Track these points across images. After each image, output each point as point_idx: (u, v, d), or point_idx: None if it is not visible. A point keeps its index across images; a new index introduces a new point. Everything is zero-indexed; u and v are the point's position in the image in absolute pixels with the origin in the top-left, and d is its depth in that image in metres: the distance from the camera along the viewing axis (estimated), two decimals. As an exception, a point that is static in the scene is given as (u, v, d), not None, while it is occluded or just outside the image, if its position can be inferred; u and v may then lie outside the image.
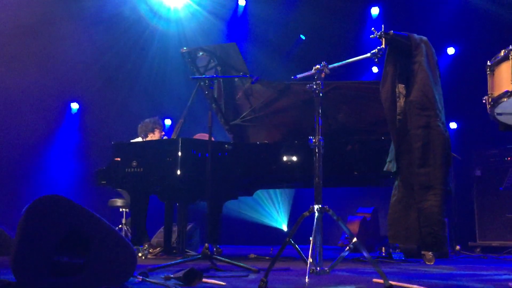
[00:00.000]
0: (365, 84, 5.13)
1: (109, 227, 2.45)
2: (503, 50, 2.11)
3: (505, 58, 2.10)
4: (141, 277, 2.62)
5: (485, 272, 3.49)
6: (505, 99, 2.08)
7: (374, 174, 4.82)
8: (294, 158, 4.86)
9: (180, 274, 2.55)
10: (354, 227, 6.64)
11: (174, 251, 5.01)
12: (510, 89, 2.05)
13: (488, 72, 2.21)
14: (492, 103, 2.16)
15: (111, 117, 8.15)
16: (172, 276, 2.67)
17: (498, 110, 2.18)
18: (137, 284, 2.49)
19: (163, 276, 2.73)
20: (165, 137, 5.72)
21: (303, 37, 9.60)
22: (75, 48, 8.01)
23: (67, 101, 8.53)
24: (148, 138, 5.62)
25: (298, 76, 2.70)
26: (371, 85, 4.96)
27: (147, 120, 5.68)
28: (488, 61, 2.20)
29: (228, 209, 6.94)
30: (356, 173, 4.83)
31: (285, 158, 4.89)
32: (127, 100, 8.42)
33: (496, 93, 2.14)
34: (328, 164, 4.80)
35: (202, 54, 5.21)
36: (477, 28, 7.90)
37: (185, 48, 5.16)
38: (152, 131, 5.61)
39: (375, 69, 8.70)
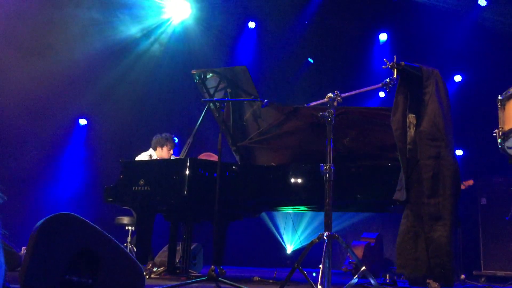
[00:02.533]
0: (373, 110, 5.16)
1: (119, 247, 2.47)
2: (514, 85, 2.15)
3: (516, 93, 2.13)
4: (148, 298, 2.63)
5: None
6: (516, 133, 2.11)
7: (380, 200, 4.82)
8: (300, 181, 4.87)
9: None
10: (358, 252, 6.60)
11: (178, 271, 4.99)
12: (521, 124, 2.07)
13: (499, 106, 2.25)
14: (503, 136, 2.19)
15: (119, 134, 8.21)
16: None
17: (508, 144, 2.21)
18: (144, 305, 2.50)
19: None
20: (173, 157, 5.76)
21: (311, 60, 9.70)
22: (84, 65, 8.11)
23: (75, 117, 8.60)
24: (156, 152, 5.66)
25: (311, 104, 2.73)
26: (379, 111, 5.00)
27: (162, 134, 5.75)
28: (499, 96, 2.24)
29: (231, 230, 6.93)
30: (360, 197, 4.83)
31: (291, 181, 4.90)
32: (135, 118, 8.49)
33: (507, 127, 2.16)
34: (335, 188, 4.85)
35: (212, 76, 5.27)
36: (484, 56, 7.97)
37: (195, 70, 5.21)
38: (162, 146, 5.67)
39: (381, 94, 8.77)
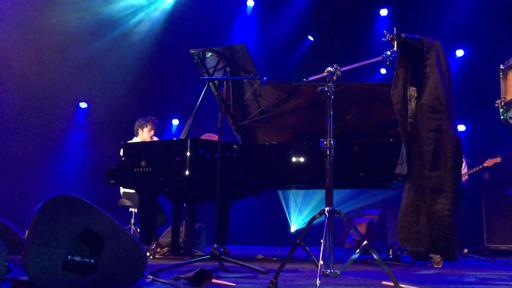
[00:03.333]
0: (374, 86, 5.12)
1: (121, 227, 2.47)
2: (516, 54, 2.11)
3: (518, 62, 2.10)
4: (151, 277, 2.64)
5: (494, 277, 3.48)
6: (518, 103, 2.07)
7: (381, 176, 4.81)
8: (302, 160, 4.86)
9: (190, 274, 2.56)
10: (361, 229, 6.63)
11: (182, 251, 5.02)
12: (523, 93, 2.04)
13: (501, 76, 2.21)
14: (505, 107, 2.15)
15: (120, 116, 8.18)
16: (182, 276, 2.68)
17: (510, 114, 2.17)
18: (147, 284, 2.51)
19: (172, 276, 2.74)
20: (154, 138, 5.74)
21: (311, 38, 9.60)
22: (85, 48, 8.06)
23: (76, 100, 8.57)
24: (138, 137, 5.65)
25: (310, 78, 2.70)
26: (380, 86, 4.96)
27: (140, 118, 5.74)
28: (501, 65, 2.19)
29: (234, 209, 6.95)
30: (362, 174, 4.81)
31: (293, 159, 4.89)
32: (136, 100, 8.45)
33: (509, 97, 2.13)
34: (336, 166, 4.83)
35: (211, 55, 5.22)
36: (485, 30, 7.87)
37: (194, 49, 5.16)
38: (142, 129, 5.65)
39: (383, 71, 8.70)
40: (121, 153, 4.90)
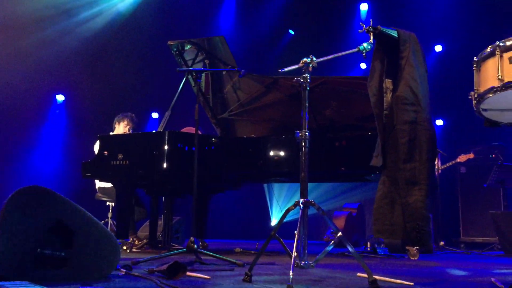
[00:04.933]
0: (353, 79, 5.14)
1: (93, 219, 2.42)
2: (490, 47, 2.12)
3: (491, 54, 2.11)
4: (124, 270, 2.60)
5: (468, 268, 3.53)
6: (491, 95, 2.09)
7: (361, 170, 4.83)
8: (282, 153, 4.85)
9: (164, 267, 2.53)
10: (340, 222, 6.67)
11: (160, 244, 4.98)
12: (495, 85, 2.05)
13: (475, 68, 2.22)
14: (478, 98, 2.17)
15: (98, 109, 8.06)
16: (155, 269, 2.65)
17: (483, 106, 2.19)
18: (120, 277, 2.47)
19: (146, 270, 2.71)
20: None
21: (292, 32, 9.59)
22: (60, 40, 7.91)
23: (53, 93, 8.42)
24: (115, 131, 5.59)
25: (285, 69, 2.68)
26: (359, 80, 4.97)
27: (121, 114, 5.68)
28: (475, 57, 2.21)
29: (216, 203, 6.93)
30: (343, 168, 4.84)
31: (272, 153, 4.87)
32: (113, 92, 8.33)
33: (482, 89, 2.14)
34: (315, 160, 4.84)
35: (190, 47, 5.17)
36: (463, 25, 7.96)
37: (172, 40, 5.10)
38: (119, 123, 5.59)
39: (363, 65, 8.74)
40: (97, 146, 4.83)
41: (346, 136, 4.88)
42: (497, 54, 2.07)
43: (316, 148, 4.79)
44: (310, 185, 7.91)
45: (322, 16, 9.17)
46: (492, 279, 2.63)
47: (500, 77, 2.04)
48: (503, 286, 2.36)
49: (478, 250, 5.86)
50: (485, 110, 2.21)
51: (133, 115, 5.70)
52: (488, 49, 2.12)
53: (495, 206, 6.36)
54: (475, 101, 2.19)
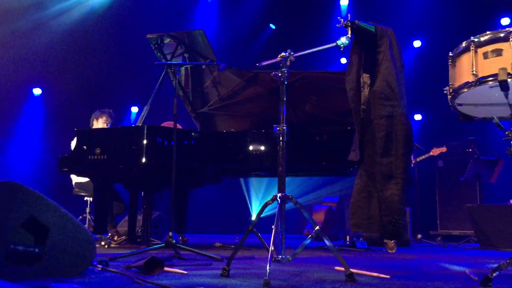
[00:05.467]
0: (332, 74, 5.15)
1: (67, 215, 2.38)
2: (465, 42, 2.14)
3: (466, 49, 2.13)
4: (100, 266, 2.57)
5: (444, 260, 3.58)
6: (465, 90, 2.11)
7: (340, 164, 4.86)
8: (261, 147, 4.85)
9: (141, 263, 2.51)
10: (320, 216, 6.72)
11: (139, 240, 4.94)
12: (470, 80, 2.07)
13: (450, 63, 2.24)
14: (453, 93, 2.18)
15: (76, 103, 7.93)
16: (133, 265, 2.62)
17: (458, 100, 2.21)
18: (96, 273, 2.44)
19: (124, 265, 2.68)
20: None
21: (273, 26, 9.58)
22: (37, 33, 7.76)
23: (29, 86, 8.26)
24: (92, 128, 5.51)
25: (263, 63, 2.67)
26: (338, 75, 4.98)
27: (98, 110, 5.60)
28: (450, 52, 2.23)
29: (196, 198, 6.90)
30: (323, 163, 4.86)
31: (252, 147, 4.87)
32: (92, 86, 8.21)
33: (457, 84, 2.16)
34: (296, 154, 4.86)
35: (169, 41, 5.12)
36: (443, 21, 8.05)
37: (151, 34, 5.04)
38: (97, 119, 5.51)
39: (343, 60, 8.77)
40: (74, 140, 4.76)
41: (326, 131, 4.90)
42: (472, 49, 2.09)
43: (297, 142, 4.81)
44: (291, 179, 7.96)
45: (303, 10, 9.17)
46: (467, 271, 2.68)
47: (474, 72, 2.06)
48: (477, 278, 2.40)
49: (455, 243, 5.97)
50: (460, 104, 2.24)
51: (111, 110, 5.63)
52: (463, 44, 2.14)
53: (471, 199, 6.48)
54: (450, 96, 2.21)
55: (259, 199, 9.34)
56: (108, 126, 5.49)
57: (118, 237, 4.97)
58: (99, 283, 2.13)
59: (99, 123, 5.49)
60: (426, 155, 6.55)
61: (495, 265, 2.16)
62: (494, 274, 2.16)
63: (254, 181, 9.27)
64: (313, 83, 5.06)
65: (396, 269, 2.88)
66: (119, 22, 8.37)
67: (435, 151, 6.49)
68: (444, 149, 6.46)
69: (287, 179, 2.51)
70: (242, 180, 9.05)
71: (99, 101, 7.25)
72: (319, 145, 4.84)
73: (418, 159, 6.54)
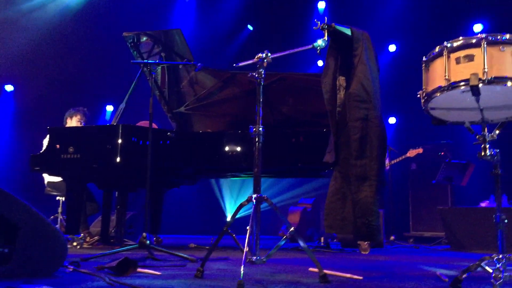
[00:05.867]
0: (309, 76, 5.19)
1: (38, 215, 2.33)
2: (438, 47, 2.18)
3: (439, 54, 2.16)
4: (72, 266, 2.53)
5: (416, 262, 3.64)
6: (438, 94, 2.14)
7: (317, 166, 4.89)
8: (238, 148, 4.85)
9: (113, 263, 2.48)
10: (295, 217, 6.75)
11: (112, 240, 4.88)
12: (443, 85, 2.11)
13: (424, 67, 2.28)
14: (426, 97, 2.22)
15: (50, 101, 7.78)
16: (105, 266, 2.59)
17: (431, 104, 2.24)
18: (67, 274, 2.40)
19: (96, 266, 2.64)
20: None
21: (250, 27, 9.59)
22: (8, 29, 7.58)
23: (1, 82, 8.06)
24: (66, 125, 5.42)
25: (240, 64, 2.67)
26: (315, 77, 5.02)
27: (71, 108, 5.51)
28: (424, 57, 2.27)
29: (172, 198, 6.85)
30: (300, 164, 4.89)
31: (228, 148, 4.86)
32: (66, 83, 8.07)
33: (430, 88, 2.20)
34: (273, 155, 4.87)
35: (146, 39, 5.08)
36: (416, 26, 8.18)
37: (128, 32, 4.98)
38: (71, 118, 5.42)
39: (320, 63, 8.84)
40: (46, 139, 4.66)
41: (303, 132, 4.93)
42: (445, 54, 2.13)
43: (273, 143, 4.82)
44: (268, 180, 7.95)
45: (281, 12, 9.21)
46: (438, 273, 2.72)
47: (447, 77, 2.10)
48: (447, 279, 2.44)
49: (426, 244, 6.07)
50: (433, 108, 2.27)
51: (86, 109, 5.54)
52: (437, 49, 2.18)
53: (443, 202, 6.59)
54: (423, 100, 2.25)
55: (235, 200, 9.33)
56: (82, 125, 5.40)
57: (90, 238, 4.89)
58: (70, 284, 2.09)
59: (73, 122, 5.40)
60: (403, 157, 6.63)
61: (465, 267, 2.21)
62: (464, 276, 2.20)
63: (230, 182, 9.26)
64: (291, 85, 5.08)
65: (369, 270, 2.92)
66: (95, 19, 8.24)
67: (411, 153, 6.57)
68: (420, 151, 6.55)
69: (263, 179, 2.51)
70: (214, 181, 9.02)
71: (73, 99, 7.14)
72: (295, 147, 4.86)
73: (394, 161, 6.62)
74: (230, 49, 9.49)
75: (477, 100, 2.08)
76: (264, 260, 2.31)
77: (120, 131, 4.41)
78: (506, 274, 1.97)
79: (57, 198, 5.60)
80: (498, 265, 1.99)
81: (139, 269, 2.53)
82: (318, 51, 2.65)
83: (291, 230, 2.38)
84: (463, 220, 5.23)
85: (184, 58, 4.99)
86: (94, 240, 4.86)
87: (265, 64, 2.49)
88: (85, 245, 4.66)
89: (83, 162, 4.43)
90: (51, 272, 2.33)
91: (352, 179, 3.84)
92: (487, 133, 2.18)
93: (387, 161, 6.54)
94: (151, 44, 5.07)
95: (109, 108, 8.90)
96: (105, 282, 2.13)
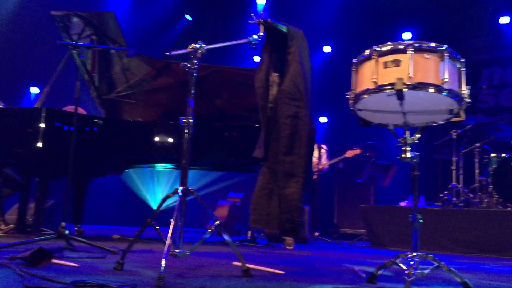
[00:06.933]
0: (244, 71, 5.18)
1: None
2: (368, 50, 2.24)
3: (369, 57, 2.23)
4: (-21, 256, 2.35)
5: (337, 258, 3.76)
6: (365, 96, 2.21)
7: (248, 160, 4.90)
8: (169, 139, 4.76)
9: (27, 254, 2.33)
10: (224, 211, 6.75)
11: (29, 229, 4.62)
12: (370, 87, 2.17)
13: (353, 69, 2.33)
14: (354, 98, 2.28)
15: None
16: (18, 256, 2.43)
17: (359, 106, 2.31)
18: (-26, 264, 2.23)
19: (7, 256, 2.48)
20: None
21: (189, 17, 9.44)
22: None
23: None
24: None
25: (173, 52, 2.60)
26: (250, 72, 5.02)
27: None
28: (354, 59, 2.33)
29: (97, 187, 6.60)
30: (231, 158, 4.88)
31: (158, 138, 4.76)
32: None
33: (358, 90, 2.26)
34: (204, 148, 4.82)
35: (77, 21, 4.84)
36: (352, 29, 8.44)
37: (56, 11, 4.72)
38: None
39: (256, 58, 8.88)
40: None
41: (236, 126, 4.92)
42: (374, 58, 2.19)
43: (207, 137, 4.78)
44: (198, 173, 7.85)
45: (221, 5, 9.16)
46: (356, 268, 2.82)
47: (374, 79, 2.16)
48: (364, 275, 2.53)
49: (349, 241, 6.29)
50: (360, 110, 2.34)
51: None
52: (366, 53, 2.24)
53: (366, 200, 6.87)
54: (351, 101, 2.31)
55: (162, 191, 9.19)
56: (2, 106, 5.06)
57: (5, 226, 4.61)
58: (-25, 275, 1.95)
59: None
60: (341, 157, 6.71)
61: (382, 263, 2.30)
62: (380, 272, 2.29)
63: (159, 173, 9.10)
64: (226, 78, 5.06)
65: (291, 265, 2.97)
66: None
67: (350, 153, 6.66)
68: (358, 151, 6.62)
69: (193, 171, 2.47)
70: (152, 171, 8.83)
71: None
72: (228, 141, 4.85)
73: (333, 161, 6.75)
74: (167, 39, 9.31)
75: (401, 104, 2.16)
76: (188, 253, 2.27)
77: (44, 114, 4.19)
78: (418, 271, 2.07)
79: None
80: (411, 263, 2.09)
81: (54, 260, 2.41)
82: (253, 46, 2.65)
83: (216, 224, 2.36)
84: (383, 218, 5.46)
85: (117, 43, 4.82)
86: (9, 228, 4.58)
87: (198, 55, 2.44)
88: (-1, 234, 4.39)
89: (1, 146, 4.16)
90: (-45, 262, 2.16)
91: (279, 175, 3.88)
92: (408, 136, 2.27)
93: (326, 161, 6.67)
94: (82, 26, 4.84)
95: (34, 90, 8.41)
96: (15, 273, 2.00)
